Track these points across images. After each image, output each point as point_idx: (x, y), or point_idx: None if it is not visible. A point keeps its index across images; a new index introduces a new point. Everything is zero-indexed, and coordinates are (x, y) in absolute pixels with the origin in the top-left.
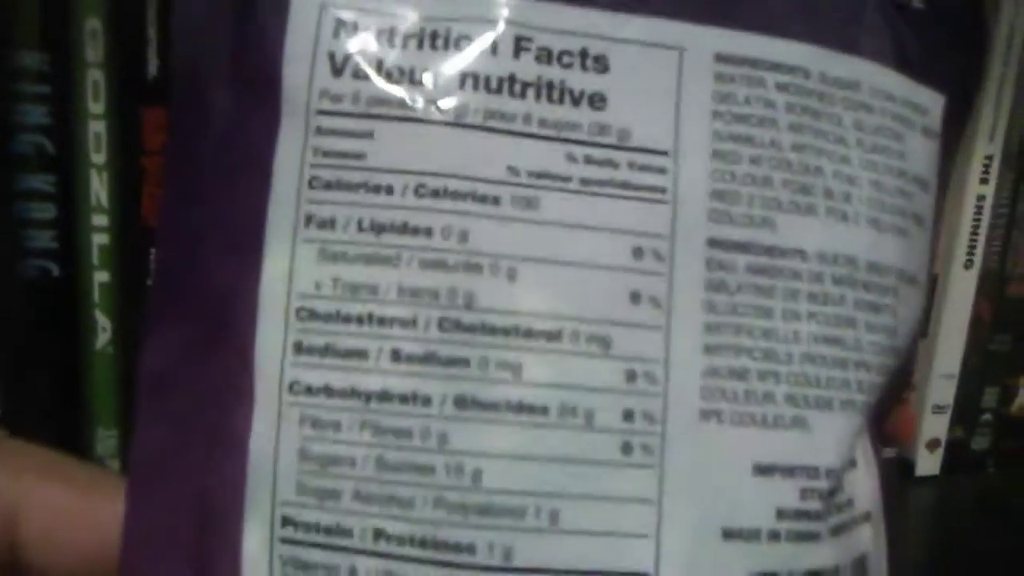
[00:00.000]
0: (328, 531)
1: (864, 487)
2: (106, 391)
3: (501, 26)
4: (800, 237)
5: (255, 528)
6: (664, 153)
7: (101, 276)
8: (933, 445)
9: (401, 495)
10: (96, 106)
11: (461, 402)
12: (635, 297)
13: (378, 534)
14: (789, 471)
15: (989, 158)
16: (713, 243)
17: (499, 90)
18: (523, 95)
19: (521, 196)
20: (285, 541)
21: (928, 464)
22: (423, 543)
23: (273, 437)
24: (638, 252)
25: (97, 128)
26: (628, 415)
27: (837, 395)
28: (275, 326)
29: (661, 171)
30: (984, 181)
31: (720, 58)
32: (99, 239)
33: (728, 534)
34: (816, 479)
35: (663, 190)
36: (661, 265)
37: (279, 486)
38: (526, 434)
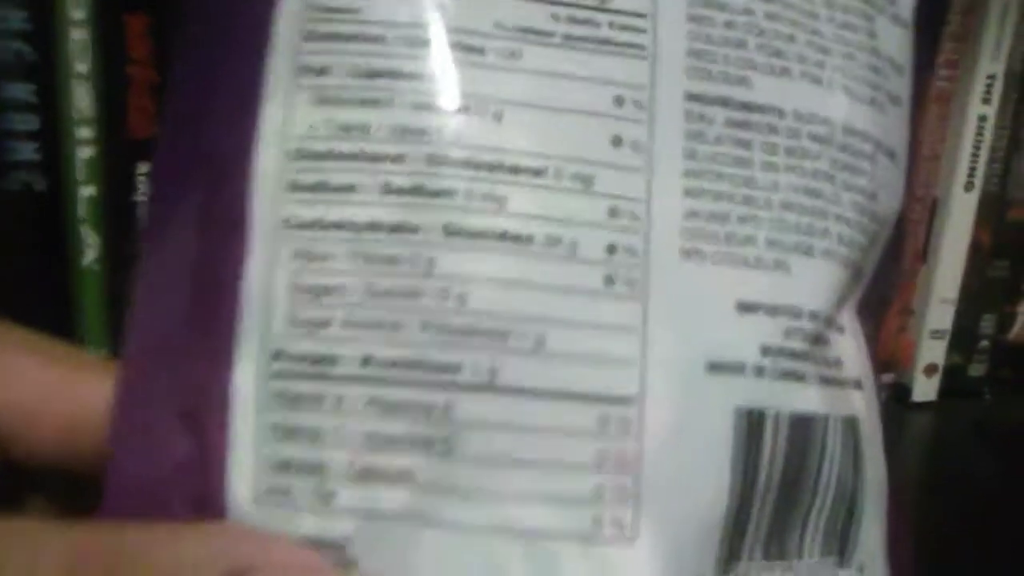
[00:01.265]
0: (318, 360)
1: (853, 355)
2: (94, 309)
3: None
4: (776, 96)
5: (246, 362)
6: (643, 15)
7: (87, 190)
8: (931, 370)
9: (389, 320)
10: (77, 12)
11: (448, 230)
12: (617, 140)
13: (366, 360)
14: (772, 309)
15: (992, 77)
16: (691, 96)
17: None
18: None
19: (506, 47)
20: (275, 375)
21: (925, 389)
22: (409, 365)
23: (267, 272)
24: (619, 100)
25: (79, 35)
26: (611, 248)
27: (817, 243)
28: (272, 166)
29: (640, 31)
30: (986, 101)
31: None
32: (84, 152)
33: (713, 366)
34: (799, 319)
35: (642, 47)
36: (641, 113)
37: (272, 318)
38: (510, 260)
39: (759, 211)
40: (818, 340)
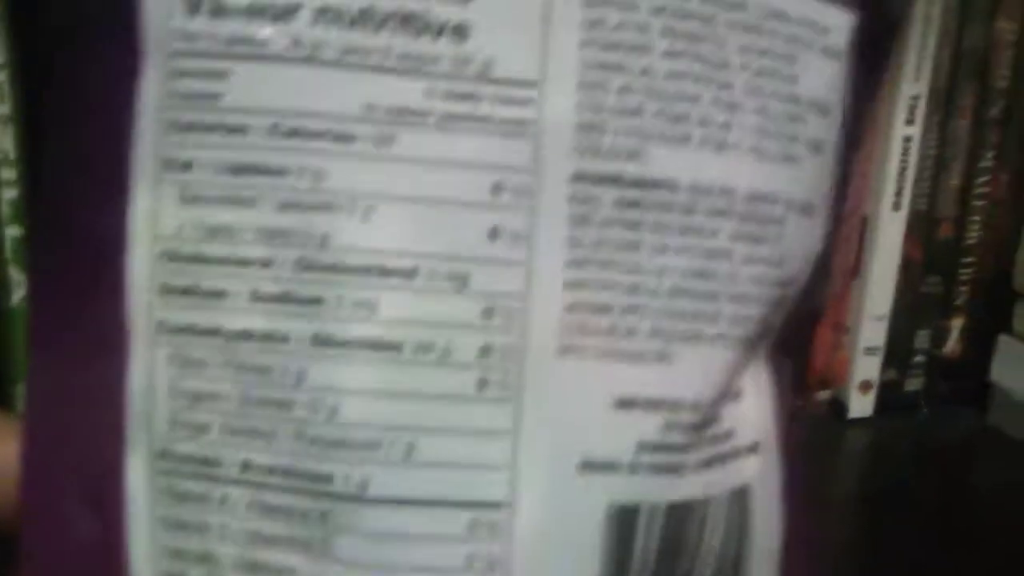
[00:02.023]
0: (201, 462)
1: (752, 417)
2: (23, 348)
3: None
4: (672, 168)
5: (137, 461)
6: (529, 85)
7: (12, 231)
8: (866, 387)
9: (264, 428)
10: None
11: (318, 340)
12: (494, 233)
13: (246, 465)
14: (652, 404)
15: (915, 98)
16: (578, 177)
17: (356, 24)
18: (381, 29)
19: (378, 133)
20: (162, 472)
21: (861, 406)
22: (285, 472)
23: (148, 375)
24: (498, 187)
25: None
26: (485, 351)
27: (707, 328)
28: (143, 268)
29: (525, 103)
30: (910, 122)
31: None
32: (8, 193)
33: (586, 465)
34: (680, 412)
35: (526, 123)
36: (522, 200)
37: (155, 421)
38: (381, 370)
39: (645, 300)
40: (703, 424)
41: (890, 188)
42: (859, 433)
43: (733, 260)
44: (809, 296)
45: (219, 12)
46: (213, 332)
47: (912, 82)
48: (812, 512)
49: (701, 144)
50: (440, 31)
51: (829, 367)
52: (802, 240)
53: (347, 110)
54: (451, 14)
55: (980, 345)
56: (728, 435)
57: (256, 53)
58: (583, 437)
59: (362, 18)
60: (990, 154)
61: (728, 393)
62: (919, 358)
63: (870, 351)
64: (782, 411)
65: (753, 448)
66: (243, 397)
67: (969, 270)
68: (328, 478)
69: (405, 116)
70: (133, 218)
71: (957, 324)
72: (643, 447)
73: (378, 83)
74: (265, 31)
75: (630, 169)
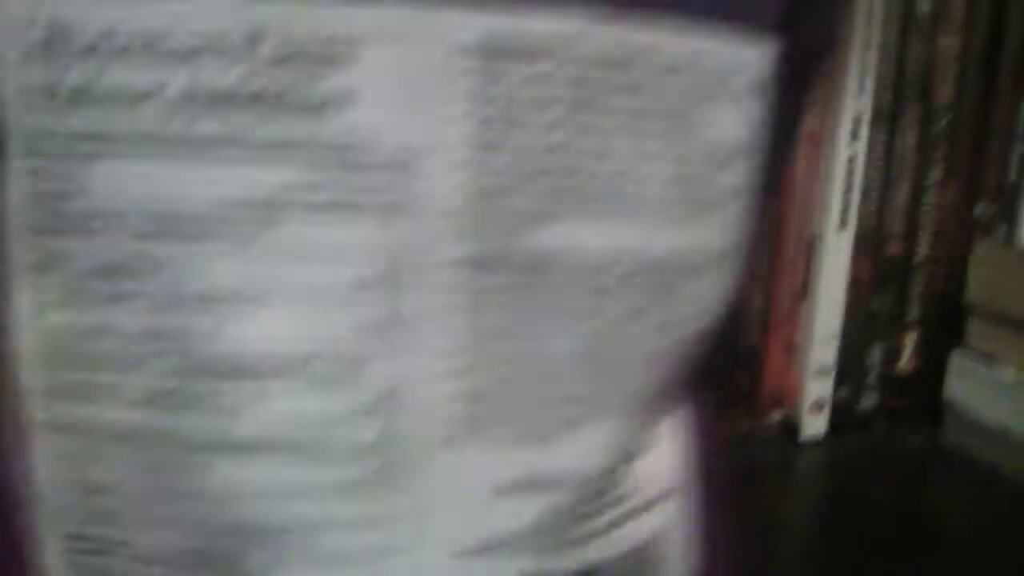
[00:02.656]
0: (114, 543)
1: (660, 468)
2: None
3: (229, 29)
4: (560, 247)
5: (51, 542)
6: (406, 164)
7: None
8: (818, 407)
9: (170, 516)
10: None
11: (207, 436)
12: (376, 324)
13: (158, 546)
14: (536, 486)
15: (859, 116)
16: (462, 261)
17: (226, 105)
18: (252, 108)
19: (249, 225)
20: (78, 552)
21: (814, 426)
22: (197, 553)
23: (50, 468)
24: (379, 276)
25: None
26: (372, 443)
27: (597, 406)
28: (34, 365)
29: (403, 185)
30: (854, 140)
31: (473, 48)
32: None
33: (482, 549)
34: (567, 490)
35: (406, 206)
36: (401, 289)
37: (65, 508)
38: (275, 466)
39: (529, 386)
40: (596, 495)
41: (836, 207)
42: (813, 453)
43: (627, 333)
44: (728, 333)
45: (76, 101)
46: (106, 428)
47: (855, 100)
48: (737, 542)
49: (593, 218)
50: (312, 109)
51: (780, 388)
52: (711, 292)
53: (216, 201)
54: (327, 88)
55: (934, 361)
56: (628, 495)
57: (115, 148)
58: (475, 522)
59: (226, 101)
60: (937, 169)
61: (628, 455)
62: (872, 376)
63: (821, 370)
64: (703, 446)
65: (663, 496)
66: (144, 488)
67: (920, 286)
68: (235, 562)
69: (277, 205)
70: (17, 316)
71: (910, 340)
72: (537, 528)
73: (246, 171)
74: (124, 121)
75: (517, 250)
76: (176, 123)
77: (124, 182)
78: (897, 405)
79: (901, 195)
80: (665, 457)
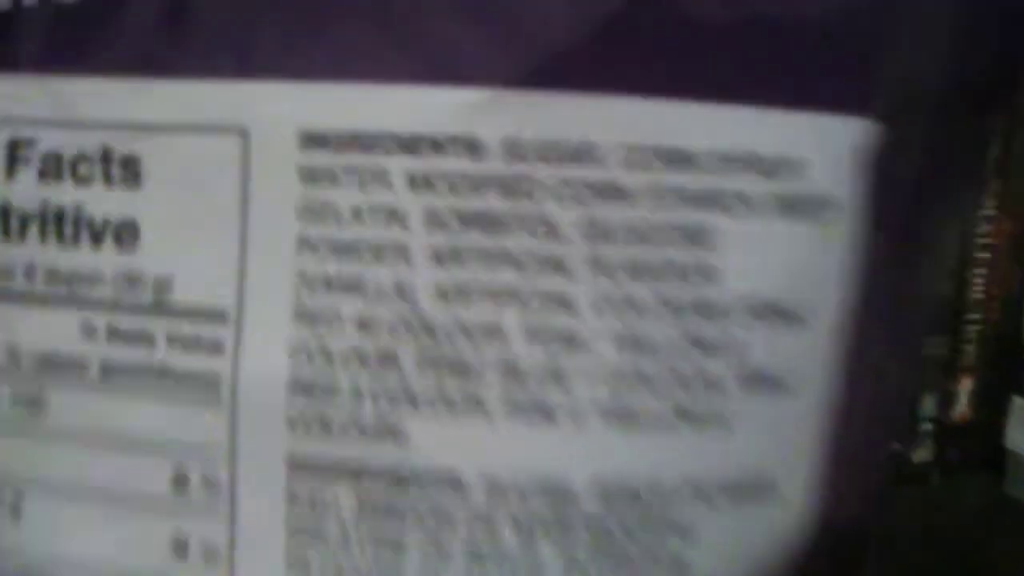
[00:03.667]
0: None
1: None
2: None
3: None
4: (452, 453)
5: None
6: (221, 316)
7: None
8: None
9: None
10: None
11: None
12: (179, 547)
13: None
14: None
15: None
16: (297, 463)
17: None
18: (23, 234)
19: (23, 396)
20: None
21: None
22: None
23: None
24: (181, 481)
25: None
26: None
27: None
28: None
29: (216, 347)
30: None
31: (308, 139)
32: None
33: None
34: None
35: (218, 379)
36: (216, 498)
37: None
38: None
39: None
40: None
41: None
42: None
43: None
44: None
45: None
46: None
47: None
48: None
49: (504, 416)
50: (100, 233)
51: None
52: (719, 538)
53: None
54: (113, 205)
55: (992, 408)
56: None
57: None
58: None
59: None
60: (991, 204)
61: None
62: (926, 426)
63: None
64: None
65: None
66: None
67: (975, 327)
68: None
69: (55, 368)
70: None
71: (965, 386)
72: None
73: (21, 318)
74: None
75: (380, 453)
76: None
77: None
78: (953, 457)
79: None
80: None
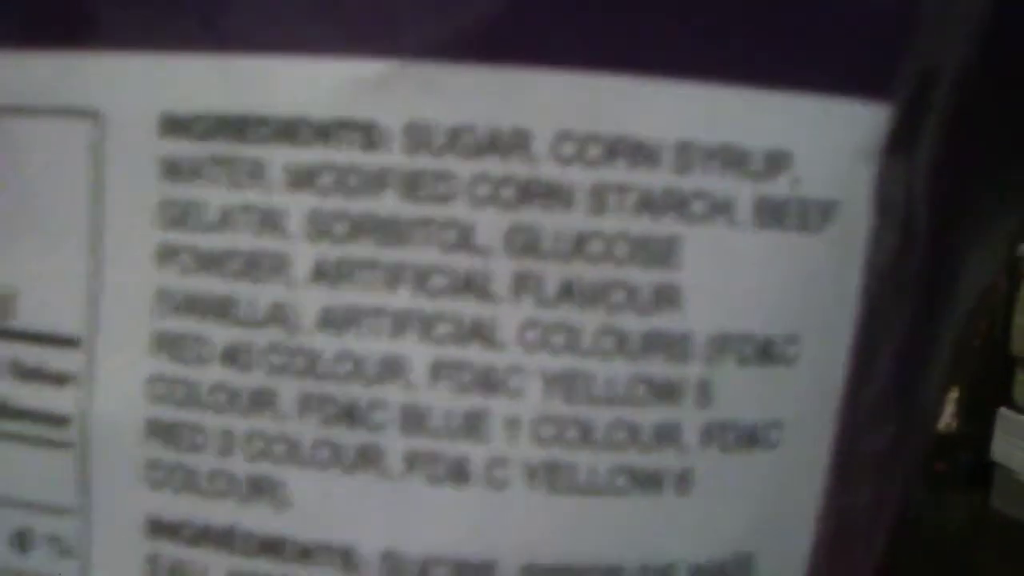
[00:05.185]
0: None
1: None
2: None
3: None
4: (342, 519)
5: None
6: (70, 342)
7: None
8: None
9: None
10: None
11: None
12: None
13: None
14: None
15: None
16: (156, 526)
17: None
18: None
19: None
20: None
21: None
22: None
23: None
24: (24, 539)
25: None
26: None
27: None
28: None
29: (61, 380)
30: None
31: (170, 124)
32: None
33: None
34: None
35: (66, 420)
36: (66, 562)
37: None
38: None
39: None
40: None
41: None
42: None
43: None
44: None
45: None
46: None
47: None
48: None
49: (395, 474)
50: None
51: None
52: None
53: None
54: None
55: (978, 420)
56: None
57: None
58: None
59: None
60: None
61: None
62: None
63: None
64: None
65: None
66: None
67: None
68: None
69: None
70: None
71: (951, 398)
72: None
73: None
74: None
75: (254, 516)
76: None
77: None
78: (940, 468)
79: None
80: None
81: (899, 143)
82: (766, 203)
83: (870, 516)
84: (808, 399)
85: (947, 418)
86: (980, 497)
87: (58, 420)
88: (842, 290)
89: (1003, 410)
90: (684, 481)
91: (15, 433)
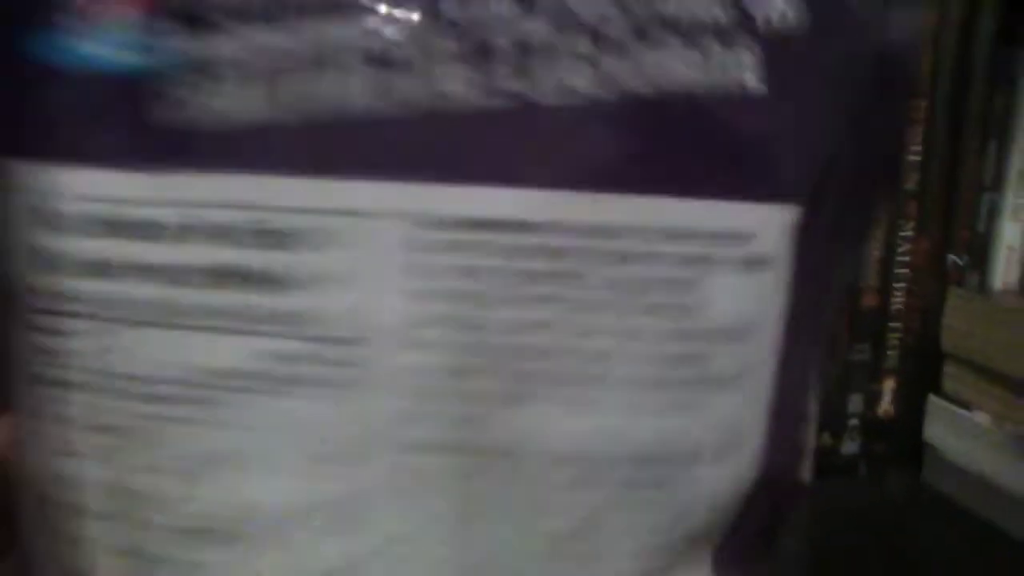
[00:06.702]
0: None
1: None
2: None
3: (167, 209)
4: (530, 431)
5: None
6: (371, 340)
7: None
8: None
9: None
10: None
11: None
12: (332, 501)
13: None
14: None
15: None
16: (417, 445)
17: (176, 282)
18: (206, 285)
19: (225, 392)
20: None
21: None
22: None
23: None
24: (336, 453)
25: None
26: None
27: None
28: None
29: (366, 361)
30: None
31: (415, 222)
32: None
33: None
34: None
35: (365, 384)
36: (358, 468)
37: None
38: None
39: None
40: None
41: None
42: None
43: (605, 528)
44: (759, 502)
45: (55, 267)
46: None
47: None
48: None
49: (569, 402)
50: (261, 283)
51: None
52: (711, 486)
53: (169, 374)
54: (271, 263)
55: (912, 405)
56: None
57: (88, 310)
58: None
59: (181, 275)
60: (909, 225)
61: None
62: (853, 422)
63: None
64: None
65: None
66: None
67: (896, 335)
68: None
69: (249, 376)
70: None
71: (888, 386)
72: None
73: (204, 343)
74: (94, 288)
75: (478, 436)
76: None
77: (92, 346)
78: (878, 450)
79: (875, 250)
80: None
81: (806, 223)
82: (742, 259)
83: (791, 412)
84: (760, 351)
85: (885, 405)
86: (914, 474)
87: (348, 385)
88: (776, 300)
89: (933, 398)
90: (706, 399)
91: (321, 391)
